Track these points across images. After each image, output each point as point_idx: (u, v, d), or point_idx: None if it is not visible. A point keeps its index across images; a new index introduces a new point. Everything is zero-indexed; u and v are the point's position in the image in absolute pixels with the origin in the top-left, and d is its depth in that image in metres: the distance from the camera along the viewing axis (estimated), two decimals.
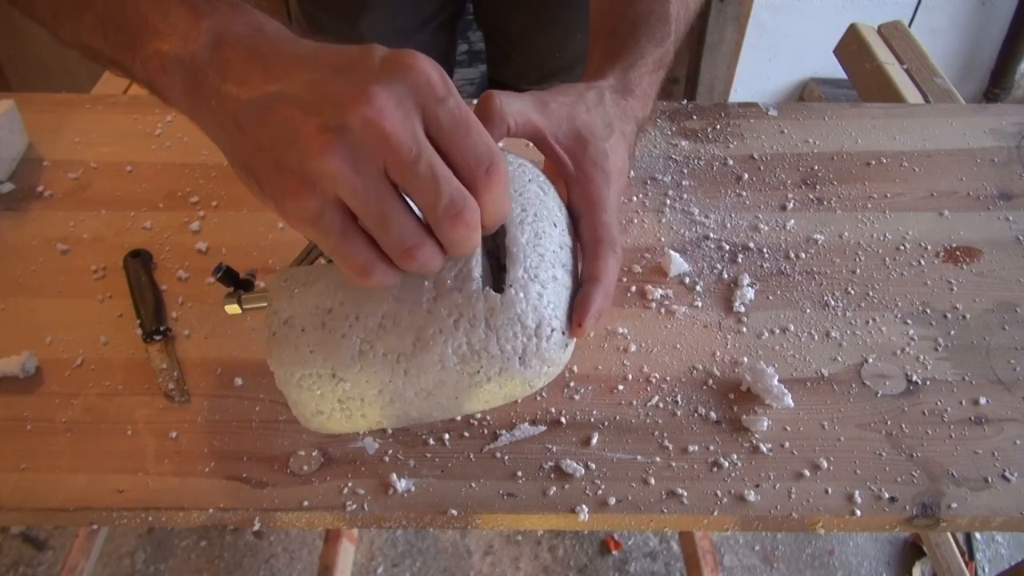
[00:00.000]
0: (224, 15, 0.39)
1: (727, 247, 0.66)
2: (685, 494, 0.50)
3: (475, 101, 0.47)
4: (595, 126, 0.49)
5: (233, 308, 0.47)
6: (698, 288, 0.62)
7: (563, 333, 0.42)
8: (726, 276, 0.63)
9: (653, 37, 0.57)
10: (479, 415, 0.54)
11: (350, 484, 0.50)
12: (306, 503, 0.50)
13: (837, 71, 1.05)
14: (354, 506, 0.49)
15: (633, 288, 0.62)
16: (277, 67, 0.37)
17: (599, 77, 0.54)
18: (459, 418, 0.53)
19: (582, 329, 0.43)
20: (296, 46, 0.38)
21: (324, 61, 0.36)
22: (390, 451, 0.52)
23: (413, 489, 0.50)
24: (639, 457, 0.52)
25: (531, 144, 0.48)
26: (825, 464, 0.51)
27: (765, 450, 0.52)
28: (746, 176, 0.72)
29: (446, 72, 0.37)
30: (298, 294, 0.42)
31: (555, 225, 0.45)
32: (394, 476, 0.50)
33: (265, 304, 0.45)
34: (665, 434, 0.53)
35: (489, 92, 0.45)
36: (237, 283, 0.47)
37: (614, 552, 1.39)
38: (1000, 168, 0.73)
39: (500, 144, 0.46)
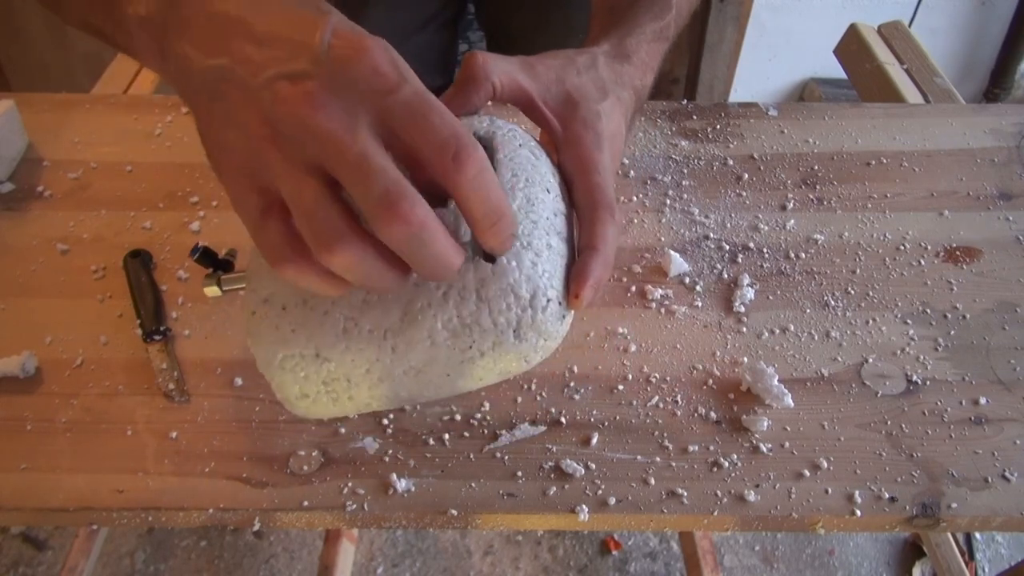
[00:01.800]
0: None
1: (727, 247, 0.66)
2: (685, 494, 0.50)
3: None
4: (586, 89, 0.46)
5: (212, 290, 0.45)
6: (698, 288, 0.62)
7: (560, 304, 0.40)
8: (726, 276, 0.63)
9: (652, 9, 0.55)
10: (479, 415, 0.54)
11: (350, 484, 0.50)
12: (306, 503, 0.50)
13: (837, 71, 1.05)
14: (354, 506, 0.49)
15: (633, 288, 0.62)
16: (224, 31, 0.34)
17: (594, 45, 0.51)
18: (459, 417, 0.53)
19: (579, 300, 0.40)
20: None
21: (268, 28, 0.34)
22: (390, 451, 0.52)
23: (413, 489, 0.50)
24: (639, 457, 0.52)
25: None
26: (825, 464, 0.51)
27: (765, 450, 0.52)
28: (746, 176, 0.72)
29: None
30: None
31: (548, 191, 0.42)
32: (394, 476, 0.50)
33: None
34: (665, 434, 0.53)
35: (472, 52, 0.43)
36: (216, 264, 0.46)
37: (614, 552, 1.39)
38: (1000, 168, 0.73)
39: (487, 103, 0.44)
